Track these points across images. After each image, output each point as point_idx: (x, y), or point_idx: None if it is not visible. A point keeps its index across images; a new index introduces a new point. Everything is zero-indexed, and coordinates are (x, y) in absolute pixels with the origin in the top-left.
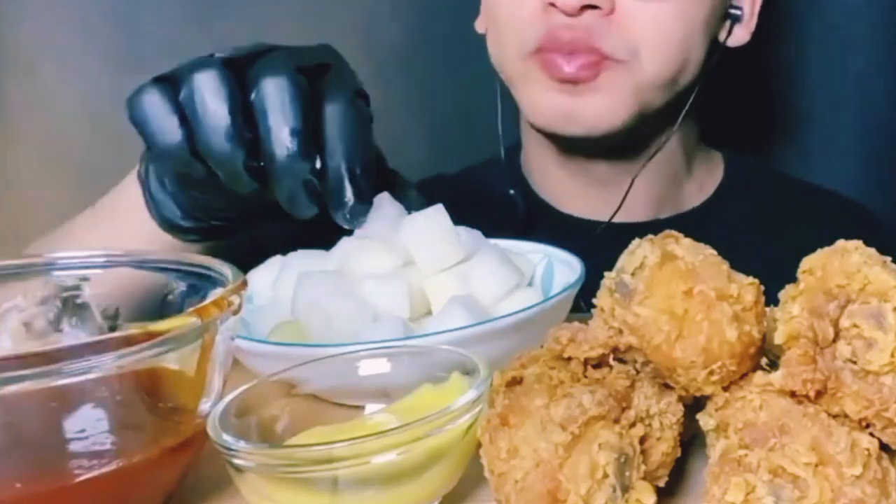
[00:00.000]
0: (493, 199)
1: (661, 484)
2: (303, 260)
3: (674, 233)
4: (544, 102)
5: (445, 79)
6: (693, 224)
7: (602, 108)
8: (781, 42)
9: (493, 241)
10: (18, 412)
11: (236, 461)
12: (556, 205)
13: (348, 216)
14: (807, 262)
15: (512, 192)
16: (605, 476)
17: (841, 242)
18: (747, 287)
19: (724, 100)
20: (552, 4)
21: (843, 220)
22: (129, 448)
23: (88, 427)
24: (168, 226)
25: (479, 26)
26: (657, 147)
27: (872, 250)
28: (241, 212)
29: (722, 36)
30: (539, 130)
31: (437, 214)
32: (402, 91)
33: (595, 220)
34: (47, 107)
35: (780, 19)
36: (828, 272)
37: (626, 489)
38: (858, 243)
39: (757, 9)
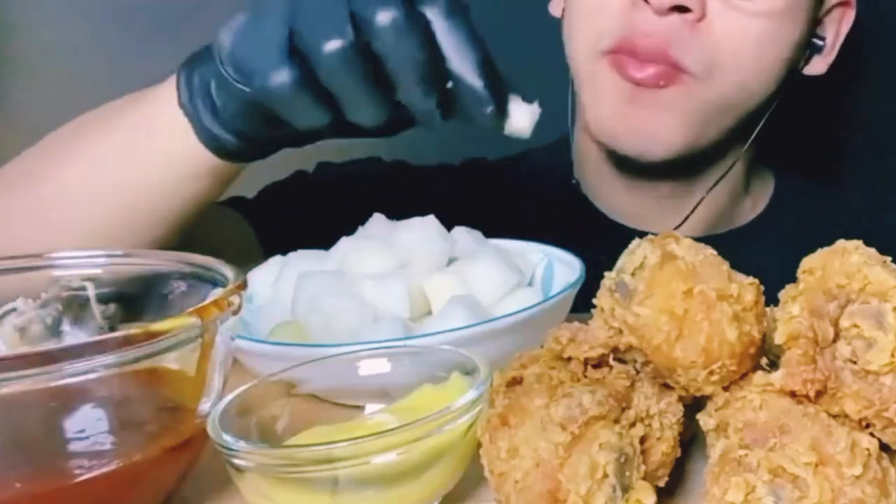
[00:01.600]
0: (538, 192)
1: (661, 484)
2: (303, 260)
3: (674, 233)
4: (609, 111)
5: None
6: (745, 240)
7: (663, 128)
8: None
9: (493, 241)
10: (18, 412)
11: (236, 461)
12: (608, 213)
13: (489, 115)
14: (807, 262)
15: (574, 181)
16: (605, 476)
17: (841, 242)
18: (747, 287)
19: (788, 122)
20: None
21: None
22: (129, 448)
23: (88, 427)
24: (219, 150)
25: (555, 9)
26: (725, 168)
27: (872, 250)
28: (302, 138)
29: (800, 63)
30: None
31: (431, 219)
32: None
33: (651, 231)
34: (47, 107)
35: (859, 55)
36: (828, 272)
37: (626, 489)
38: (858, 243)
39: (839, 42)
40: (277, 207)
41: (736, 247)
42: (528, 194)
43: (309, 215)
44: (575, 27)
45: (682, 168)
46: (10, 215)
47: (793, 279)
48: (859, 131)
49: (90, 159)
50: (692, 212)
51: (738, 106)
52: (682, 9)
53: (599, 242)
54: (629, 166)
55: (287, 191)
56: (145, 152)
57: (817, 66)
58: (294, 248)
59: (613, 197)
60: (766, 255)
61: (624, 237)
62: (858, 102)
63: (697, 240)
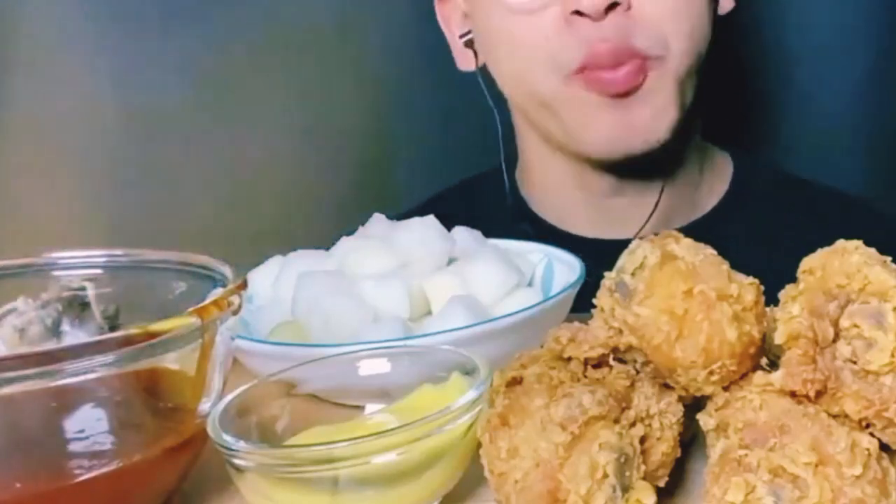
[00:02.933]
0: (490, 221)
1: (661, 484)
2: (303, 260)
3: (674, 233)
4: (599, 123)
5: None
6: (705, 231)
7: (656, 113)
8: (768, 33)
9: (492, 241)
10: (18, 412)
11: (236, 461)
12: (559, 224)
13: None
14: (807, 263)
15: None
16: (605, 476)
17: (841, 242)
18: (747, 287)
19: (719, 96)
20: (577, 13)
21: (852, 219)
22: (129, 448)
23: (88, 427)
24: None
25: (467, 63)
26: (685, 150)
27: (872, 250)
28: None
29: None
30: (585, 158)
31: (431, 219)
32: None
33: (603, 238)
34: (47, 107)
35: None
36: (828, 272)
37: (626, 489)
38: (858, 243)
39: None
40: None
41: (702, 235)
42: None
43: None
44: (526, 65)
45: (660, 155)
46: None
47: (763, 259)
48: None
49: None
50: (656, 206)
51: (699, 66)
52: (612, 5)
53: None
54: (612, 169)
55: None
56: None
57: (726, 4)
58: None
59: (573, 213)
60: (734, 238)
61: (578, 246)
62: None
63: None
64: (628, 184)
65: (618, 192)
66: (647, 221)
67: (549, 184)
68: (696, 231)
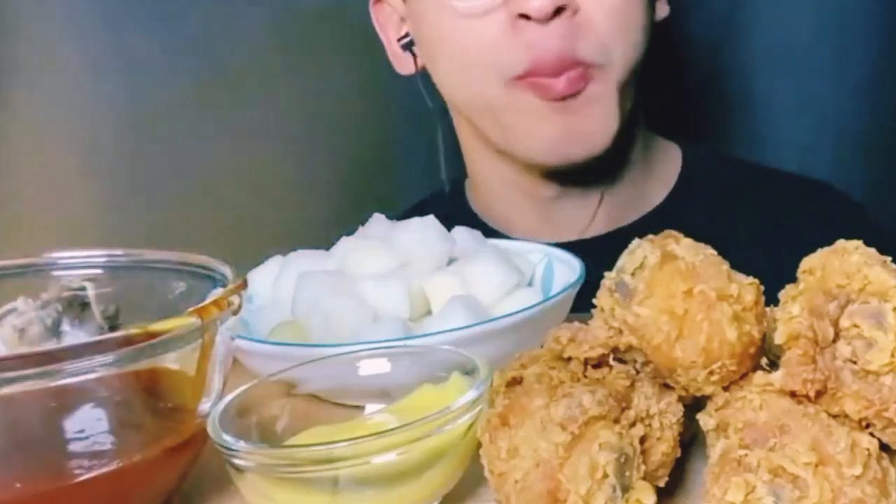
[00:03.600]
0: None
1: (661, 484)
2: (303, 260)
3: (674, 233)
4: (540, 130)
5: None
6: (658, 223)
7: (598, 120)
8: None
9: (492, 241)
10: (18, 412)
11: (236, 461)
12: (507, 231)
13: None
14: (807, 263)
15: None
16: (605, 476)
17: (841, 242)
18: (747, 287)
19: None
20: (523, 16)
21: (807, 200)
22: (129, 448)
23: (88, 427)
24: None
25: (406, 67)
26: (628, 151)
27: (872, 250)
28: None
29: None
30: (527, 163)
31: (431, 219)
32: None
33: (555, 241)
34: (47, 107)
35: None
36: (828, 272)
37: (626, 489)
38: (858, 243)
39: None
40: None
41: (654, 227)
42: None
43: None
44: (467, 70)
45: (602, 160)
46: None
47: (718, 247)
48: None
49: None
50: (597, 210)
51: (634, 71)
52: (558, 10)
53: None
54: (555, 175)
55: None
56: None
57: (662, 10)
58: None
59: (522, 220)
60: (687, 227)
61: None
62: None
63: (608, 234)
64: (571, 188)
65: (562, 196)
66: (590, 222)
67: (494, 189)
68: (648, 224)
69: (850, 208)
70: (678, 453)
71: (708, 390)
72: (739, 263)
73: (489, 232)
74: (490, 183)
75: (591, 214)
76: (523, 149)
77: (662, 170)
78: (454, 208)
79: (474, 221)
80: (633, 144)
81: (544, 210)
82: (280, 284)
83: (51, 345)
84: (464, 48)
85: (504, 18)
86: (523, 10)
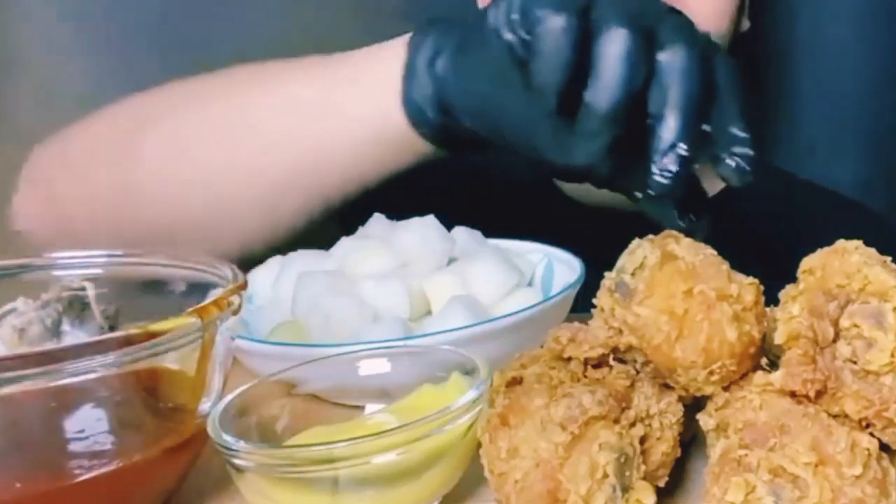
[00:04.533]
0: (523, 190)
1: (661, 484)
2: (303, 260)
3: (674, 233)
4: None
5: None
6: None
7: None
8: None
9: (492, 241)
10: (18, 412)
11: (236, 461)
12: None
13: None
14: (806, 263)
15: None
16: (605, 476)
17: (841, 242)
18: (747, 287)
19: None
20: None
21: (844, 219)
22: (129, 448)
23: (88, 427)
24: (417, 123)
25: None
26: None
27: (872, 250)
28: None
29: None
30: None
31: (431, 219)
32: None
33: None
34: (47, 107)
35: (779, 9)
36: (828, 272)
37: (626, 489)
38: (858, 243)
39: None
40: None
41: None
42: (506, 190)
43: None
44: None
45: None
46: (206, 126)
47: (749, 255)
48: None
49: (292, 98)
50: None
51: None
52: None
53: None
54: None
55: None
56: (344, 105)
57: (745, 23)
58: None
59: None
60: (722, 234)
61: (611, 226)
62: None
63: None
64: None
65: None
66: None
67: None
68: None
69: (883, 229)
70: (678, 453)
71: (708, 390)
72: (764, 268)
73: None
74: None
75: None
76: None
77: (704, 175)
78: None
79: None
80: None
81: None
82: (280, 284)
83: (51, 345)
84: None
85: None
86: None
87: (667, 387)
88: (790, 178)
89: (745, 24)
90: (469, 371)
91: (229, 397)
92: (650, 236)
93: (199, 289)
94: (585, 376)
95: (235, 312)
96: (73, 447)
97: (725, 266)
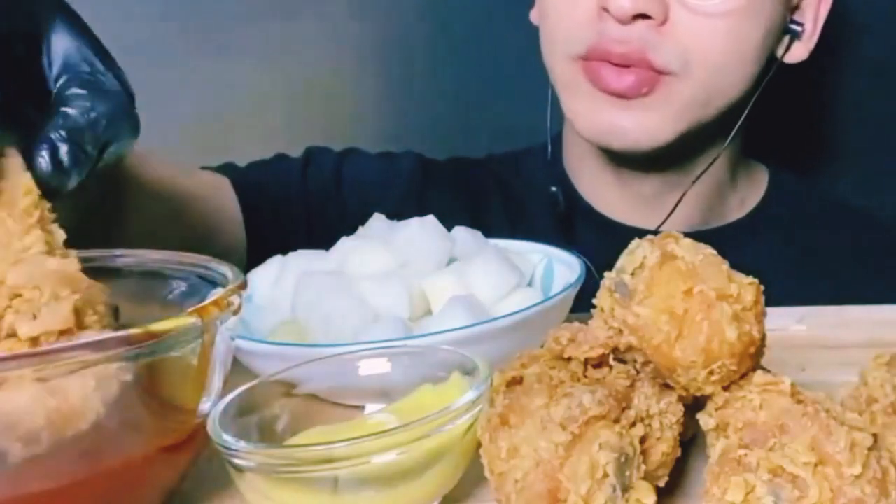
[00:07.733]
0: (532, 191)
1: (661, 484)
2: (303, 260)
3: (673, 233)
4: (590, 116)
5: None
6: (733, 237)
7: (650, 123)
8: (842, 63)
9: (492, 241)
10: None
11: (236, 461)
12: (598, 207)
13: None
14: None
15: (554, 189)
16: (605, 476)
17: None
18: (747, 287)
19: (779, 117)
20: (605, 10)
21: (877, 241)
22: (130, 448)
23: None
24: None
25: (534, 17)
26: (708, 162)
27: None
28: None
29: (779, 51)
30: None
31: (431, 219)
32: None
33: (638, 227)
34: None
35: (844, 39)
36: None
37: (626, 489)
38: None
39: (819, 26)
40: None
41: (723, 243)
42: (517, 193)
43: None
44: (549, 34)
45: (671, 160)
46: None
47: (784, 276)
48: (852, 126)
49: None
50: (676, 205)
51: (719, 98)
52: (644, 16)
53: (584, 236)
54: (620, 158)
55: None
56: None
57: (798, 53)
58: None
59: (605, 193)
60: (756, 252)
61: (615, 233)
62: (850, 95)
63: (685, 235)
64: (643, 177)
65: (634, 180)
66: (665, 218)
67: (578, 163)
68: (721, 234)
69: None
70: (678, 453)
71: (708, 390)
72: (799, 291)
73: (578, 200)
74: (574, 149)
75: (666, 208)
76: (576, 127)
77: (747, 192)
78: (552, 164)
79: (567, 186)
80: (717, 157)
81: (619, 189)
82: (280, 284)
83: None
84: (551, 17)
85: (594, 6)
86: (605, 5)
87: (667, 387)
88: (830, 199)
89: (799, 55)
90: (469, 371)
91: (229, 397)
92: (650, 236)
93: (199, 289)
94: (585, 376)
95: (235, 312)
96: (73, 447)
97: (725, 266)
